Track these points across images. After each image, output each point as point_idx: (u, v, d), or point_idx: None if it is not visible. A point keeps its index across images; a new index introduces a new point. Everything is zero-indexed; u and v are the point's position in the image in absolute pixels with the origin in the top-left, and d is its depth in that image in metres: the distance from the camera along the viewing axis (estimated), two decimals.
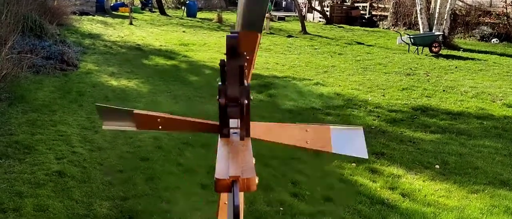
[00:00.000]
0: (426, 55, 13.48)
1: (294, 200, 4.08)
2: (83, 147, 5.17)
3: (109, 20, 19.25)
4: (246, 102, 1.29)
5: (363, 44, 15.79)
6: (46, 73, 8.96)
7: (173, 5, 27.84)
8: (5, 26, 9.98)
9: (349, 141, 1.85)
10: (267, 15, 19.02)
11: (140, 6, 26.07)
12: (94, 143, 5.30)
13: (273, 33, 17.69)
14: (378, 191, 4.36)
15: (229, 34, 1.30)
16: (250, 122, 1.91)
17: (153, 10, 25.29)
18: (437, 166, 5.04)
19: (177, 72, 9.92)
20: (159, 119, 1.58)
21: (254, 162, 1.28)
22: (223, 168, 1.19)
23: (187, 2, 23.95)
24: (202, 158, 4.98)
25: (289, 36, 16.96)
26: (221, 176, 1.12)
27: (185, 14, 23.44)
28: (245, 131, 1.43)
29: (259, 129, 1.93)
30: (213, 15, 22.11)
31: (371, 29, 21.06)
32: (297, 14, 21.33)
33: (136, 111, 1.62)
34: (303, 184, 4.42)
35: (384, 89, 8.86)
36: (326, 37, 17.29)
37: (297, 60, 11.87)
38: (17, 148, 4.96)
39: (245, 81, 1.56)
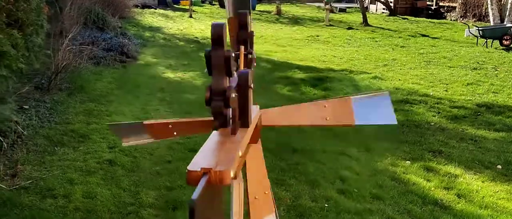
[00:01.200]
0: (495, 48, 12.70)
1: (341, 197, 3.92)
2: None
3: (170, 13, 19.62)
4: (233, 95, 1.20)
5: (427, 36, 15.12)
6: (106, 65, 9.24)
7: None
8: (68, 18, 10.42)
9: (374, 110, 1.69)
10: (327, 6, 18.70)
11: None
12: None
13: (333, 25, 17.34)
14: (431, 191, 4.11)
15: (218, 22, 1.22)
16: (262, 109, 1.79)
17: (213, 3, 25.54)
18: (499, 167, 4.70)
19: None
20: (170, 125, 1.53)
21: (240, 154, 1.19)
22: (198, 160, 1.12)
23: None
24: None
25: (349, 28, 16.56)
26: (192, 168, 1.04)
27: None
28: (238, 123, 1.34)
29: (271, 115, 1.82)
30: (272, 7, 22.00)
31: (438, 20, 20.14)
32: (359, 6, 20.79)
33: (146, 122, 1.57)
34: (352, 181, 4.25)
35: (447, 84, 8.42)
36: (389, 29, 16.72)
37: (356, 53, 11.55)
38: (72, 137, 5.11)
39: (247, 68, 1.46)
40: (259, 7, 23.52)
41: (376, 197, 3.94)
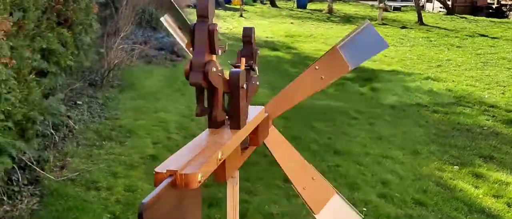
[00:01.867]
0: None
1: (381, 201, 3.83)
2: (179, 134, 5.35)
3: (221, 12, 19.84)
4: (214, 69, 1.16)
5: (486, 36, 14.49)
6: (157, 63, 9.47)
7: None
8: (123, 18, 10.75)
9: (363, 45, 1.64)
10: (381, 5, 18.31)
11: None
12: (189, 131, 5.46)
13: (386, 24, 16.95)
14: (479, 199, 3.94)
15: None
16: (263, 105, 1.75)
17: (264, 2, 25.60)
18: None
19: (279, 63, 9.90)
20: None
21: (220, 156, 1.16)
22: (168, 161, 1.09)
23: None
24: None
25: (403, 27, 16.12)
26: (159, 169, 1.02)
27: (295, 5, 23.41)
28: (222, 113, 1.29)
29: (275, 105, 1.78)
30: (323, 6, 21.79)
31: (499, 20, 19.24)
32: (414, 4, 20.22)
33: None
34: (394, 185, 4.13)
35: (504, 86, 8.04)
36: (445, 29, 16.15)
37: (408, 53, 11.24)
38: (120, 132, 5.27)
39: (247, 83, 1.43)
40: (310, 5, 23.37)
41: (418, 202, 3.82)
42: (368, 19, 1.78)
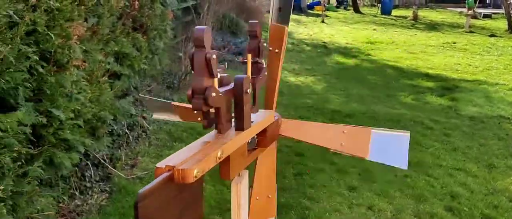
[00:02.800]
0: None
1: (448, 214, 3.65)
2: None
3: (303, 18, 19.88)
4: (214, 94, 1.21)
5: None
6: (233, 67, 9.69)
7: (369, 3, 27.39)
8: (203, 23, 11.13)
9: (391, 148, 1.61)
10: (469, 12, 17.38)
11: (335, 4, 26.32)
12: None
13: (473, 32, 16.06)
14: None
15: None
16: (284, 119, 1.77)
17: (348, 8, 25.27)
18: None
19: (357, 70, 9.74)
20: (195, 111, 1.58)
21: (219, 155, 1.21)
22: (170, 158, 1.17)
23: None
24: (358, 159, 4.78)
25: (492, 36, 15.19)
26: (159, 165, 1.11)
27: (379, 11, 22.87)
28: (226, 124, 1.35)
29: (289, 126, 1.79)
30: (409, 12, 21.08)
31: None
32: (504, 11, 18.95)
33: (174, 103, 1.68)
34: (463, 198, 3.92)
35: None
36: None
37: (494, 62, 10.58)
38: (191, 133, 5.46)
39: (256, 76, 1.44)
40: (395, 12, 22.71)
41: (488, 218, 3.59)
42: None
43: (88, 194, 3.86)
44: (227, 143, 1.29)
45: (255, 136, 1.64)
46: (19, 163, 2.27)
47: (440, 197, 3.97)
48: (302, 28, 16.54)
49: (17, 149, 2.24)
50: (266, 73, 1.64)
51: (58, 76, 2.61)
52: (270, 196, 1.76)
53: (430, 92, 7.77)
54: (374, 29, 16.58)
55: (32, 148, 2.44)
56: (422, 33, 16.03)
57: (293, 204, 3.84)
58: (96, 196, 3.85)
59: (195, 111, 1.33)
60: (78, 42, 2.88)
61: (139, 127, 5.29)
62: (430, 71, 9.51)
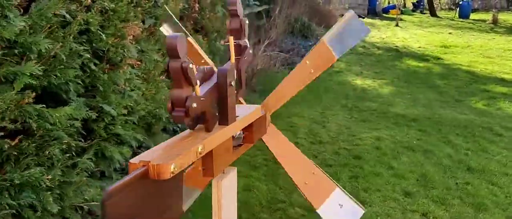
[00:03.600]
0: None
1: None
2: (306, 139, 5.42)
3: (377, 22, 19.42)
4: (195, 105, 1.17)
5: None
6: None
7: (446, 6, 26.22)
8: (274, 27, 11.22)
9: (347, 35, 1.57)
10: None
11: (411, 8, 25.46)
12: (317, 137, 5.50)
13: None
14: None
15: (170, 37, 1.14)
16: (264, 101, 1.69)
17: (424, 11, 24.33)
18: None
19: (427, 75, 9.36)
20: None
21: (200, 150, 1.15)
22: (145, 153, 1.11)
23: (460, 2, 22.22)
24: (417, 164, 4.63)
25: None
26: (134, 160, 1.05)
27: (457, 15, 21.82)
28: (213, 122, 1.30)
29: (272, 100, 1.72)
30: (488, 16, 19.91)
31: None
32: None
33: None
34: None
35: None
36: None
37: None
38: None
39: (239, 57, 1.40)
40: (473, 15, 21.55)
41: None
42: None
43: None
44: (208, 137, 1.23)
45: (241, 132, 1.57)
46: (69, 155, 2.42)
47: (503, 207, 3.72)
48: (375, 32, 16.15)
49: (66, 141, 2.40)
50: (250, 52, 1.57)
51: (111, 74, 2.77)
52: (314, 172, 1.69)
53: (503, 98, 7.31)
54: (450, 33, 15.84)
55: (83, 141, 2.60)
56: (501, 37, 15.08)
57: None
58: None
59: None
60: (133, 42, 3.04)
61: None
62: (506, 76, 8.94)
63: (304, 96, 7.42)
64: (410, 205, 3.79)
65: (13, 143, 2.20)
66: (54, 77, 2.36)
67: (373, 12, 22.72)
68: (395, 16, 19.73)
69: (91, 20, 2.54)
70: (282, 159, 1.72)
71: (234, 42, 1.48)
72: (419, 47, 12.90)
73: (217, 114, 1.37)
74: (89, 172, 2.73)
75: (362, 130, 5.79)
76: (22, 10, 2.27)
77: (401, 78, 9.00)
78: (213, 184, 1.46)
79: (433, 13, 22.49)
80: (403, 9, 23.00)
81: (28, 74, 2.13)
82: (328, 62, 1.62)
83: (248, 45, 1.53)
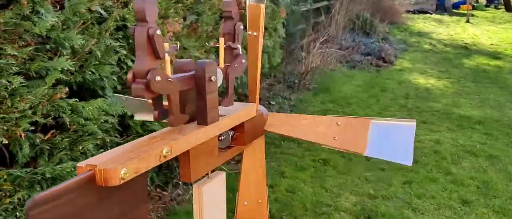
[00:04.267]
0: None
1: None
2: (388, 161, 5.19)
3: (445, 18, 18.53)
4: (158, 78, 1.03)
5: None
6: (361, 68, 9.39)
7: None
8: (334, 23, 10.97)
9: (393, 141, 1.29)
10: None
11: (484, 3, 24.08)
12: None
13: None
14: None
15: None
16: (271, 113, 1.52)
17: (499, 6, 22.92)
18: None
19: (498, 74, 8.76)
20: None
21: (165, 153, 1.02)
22: (99, 156, 0.99)
23: None
24: (479, 170, 4.30)
25: None
26: (81, 164, 0.93)
27: None
28: (179, 115, 1.15)
29: (273, 120, 1.54)
30: None
31: None
32: None
33: (150, 101, 1.46)
34: None
35: None
36: None
37: None
38: None
39: (230, 64, 1.27)
40: None
41: None
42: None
43: (190, 184, 4.00)
44: (178, 139, 1.09)
45: (230, 132, 1.42)
46: (103, 150, 2.41)
47: None
48: (443, 28, 15.41)
49: (101, 137, 2.39)
50: (243, 61, 1.40)
51: None
52: (260, 201, 1.52)
53: None
54: None
55: (119, 137, 2.59)
56: None
57: (394, 214, 3.55)
58: None
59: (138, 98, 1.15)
60: (173, 38, 2.99)
61: None
62: None
63: (358, 96, 7.18)
64: (467, 215, 3.51)
65: (45, 138, 2.21)
66: (89, 73, 2.35)
67: (442, 7, 21.69)
68: (466, 11, 18.73)
69: (127, 16, 2.52)
70: (244, 171, 1.54)
71: (225, 45, 1.35)
72: (491, 44, 12.14)
73: (192, 111, 1.23)
74: None
75: (421, 132, 5.48)
76: (58, 6, 2.29)
77: (469, 77, 8.48)
78: (194, 190, 1.31)
79: (508, 8, 21.14)
80: (475, 4, 21.80)
81: (60, 69, 2.12)
82: (354, 148, 1.41)
83: (240, 52, 1.39)
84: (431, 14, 19.88)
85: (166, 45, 1.09)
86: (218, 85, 1.28)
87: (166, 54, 1.07)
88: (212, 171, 1.38)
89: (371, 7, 13.45)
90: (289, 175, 4.25)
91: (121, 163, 0.92)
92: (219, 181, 1.38)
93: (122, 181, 0.90)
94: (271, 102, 6.51)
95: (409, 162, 1.36)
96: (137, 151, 1.01)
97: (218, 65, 1.30)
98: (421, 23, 16.49)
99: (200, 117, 1.21)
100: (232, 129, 1.41)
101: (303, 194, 3.90)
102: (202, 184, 1.32)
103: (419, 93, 7.39)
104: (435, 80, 8.26)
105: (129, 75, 1.04)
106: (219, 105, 1.33)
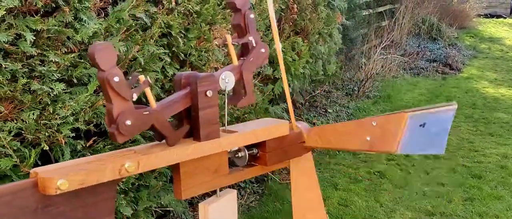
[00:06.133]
0: None
1: None
2: (419, 154, 4.94)
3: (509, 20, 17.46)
4: (128, 122, 0.97)
5: None
6: (425, 76, 9.00)
7: None
8: (399, 28, 10.59)
9: (429, 132, 1.12)
10: None
11: None
12: None
13: None
14: None
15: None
16: (312, 128, 1.38)
17: None
18: None
19: None
20: None
21: (127, 166, 0.97)
22: (61, 164, 1.00)
23: None
24: None
25: None
26: (32, 170, 0.94)
27: None
28: (172, 138, 1.11)
29: (309, 135, 1.38)
30: None
31: None
32: None
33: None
34: None
35: None
36: None
37: None
38: None
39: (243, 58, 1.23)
40: None
41: None
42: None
43: (240, 194, 3.94)
44: (152, 154, 1.05)
45: (250, 150, 1.31)
46: None
47: None
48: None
49: (143, 143, 2.37)
50: (262, 50, 1.27)
51: None
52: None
53: None
54: None
55: None
56: None
57: None
58: (246, 197, 3.92)
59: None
60: (220, 45, 2.95)
61: None
62: None
63: (421, 105, 6.85)
64: None
65: (87, 144, 2.22)
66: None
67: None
68: None
69: (172, 22, 2.49)
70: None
71: (233, 42, 1.24)
72: None
73: (181, 127, 1.17)
74: (169, 177, 2.70)
75: (487, 145, 5.13)
76: (103, 13, 2.30)
77: None
78: (199, 209, 1.24)
79: None
80: None
81: None
82: (386, 148, 1.26)
83: (255, 44, 1.27)
84: (505, 18, 18.78)
85: (142, 77, 1.04)
86: (230, 88, 1.21)
87: (134, 94, 1.02)
88: (221, 189, 1.30)
89: (439, 11, 12.88)
90: (342, 187, 4.09)
91: (63, 174, 0.91)
92: (229, 199, 1.29)
93: (59, 191, 0.89)
94: (328, 110, 6.35)
95: (441, 151, 1.23)
96: (97, 163, 0.99)
97: (232, 62, 1.23)
98: (493, 28, 15.60)
99: (195, 132, 1.16)
100: (255, 146, 1.32)
101: (355, 208, 3.73)
102: (209, 203, 1.24)
103: (487, 103, 6.94)
104: (505, 89, 7.75)
105: (106, 118, 1.03)
106: (236, 105, 1.26)
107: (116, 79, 0.99)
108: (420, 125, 1.20)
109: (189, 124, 1.15)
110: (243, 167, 1.32)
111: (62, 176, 0.91)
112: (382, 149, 1.23)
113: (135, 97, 1.03)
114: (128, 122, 1.01)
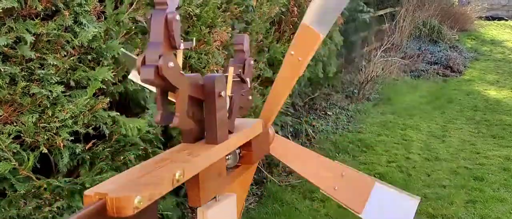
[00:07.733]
0: None
1: None
2: (420, 155, 4.93)
3: None
4: (171, 64, 0.89)
5: None
6: (426, 78, 9.00)
7: None
8: (399, 31, 10.59)
9: (392, 212, 1.16)
10: None
11: None
12: (434, 152, 4.97)
13: None
14: None
15: None
16: (278, 136, 1.40)
17: None
18: None
19: None
20: None
21: (178, 176, 0.90)
22: (107, 181, 0.87)
23: None
24: None
25: None
26: (88, 192, 0.81)
27: None
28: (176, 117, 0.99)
29: (282, 148, 1.40)
30: None
31: None
32: None
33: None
34: None
35: None
36: None
37: None
38: (357, 146, 5.19)
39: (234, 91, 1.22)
40: None
41: None
42: None
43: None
44: (191, 161, 0.98)
45: (237, 151, 1.29)
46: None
47: None
48: None
49: (142, 147, 2.37)
50: (250, 98, 1.29)
51: None
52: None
53: None
54: None
55: (161, 148, 2.56)
56: None
57: None
58: (245, 199, 3.91)
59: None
60: (220, 48, 2.95)
61: (304, 135, 5.25)
62: None
63: (422, 107, 6.85)
64: None
65: (86, 147, 2.22)
66: (132, 83, 2.34)
67: None
68: None
69: None
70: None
71: (234, 75, 1.24)
72: None
73: (201, 127, 1.13)
74: None
75: (489, 147, 5.12)
76: (103, 16, 2.30)
77: None
78: (198, 215, 1.19)
79: None
80: None
81: (100, 79, 2.12)
82: (352, 205, 1.33)
83: (249, 86, 1.29)
84: (507, 20, 18.75)
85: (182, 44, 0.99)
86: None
87: (181, 45, 0.95)
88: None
89: (439, 14, 12.88)
90: None
91: (134, 190, 0.82)
92: (228, 203, 1.27)
93: (136, 211, 0.81)
94: (328, 113, 6.35)
95: None
96: (148, 176, 0.91)
97: (226, 90, 1.21)
98: (494, 31, 15.58)
99: (210, 135, 1.10)
100: (239, 147, 1.32)
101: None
102: (208, 208, 1.21)
103: (489, 105, 6.93)
104: (507, 92, 7.74)
105: (138, 61, 0.92)
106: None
107: (177, 18, 0.92)
108: (384, 199, 1.28)
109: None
110: (232, 168, 1.32)
111: (137, 193, 0.81)
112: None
113: (181, 47, 0.95)
114: (171, 64, 0.92)
